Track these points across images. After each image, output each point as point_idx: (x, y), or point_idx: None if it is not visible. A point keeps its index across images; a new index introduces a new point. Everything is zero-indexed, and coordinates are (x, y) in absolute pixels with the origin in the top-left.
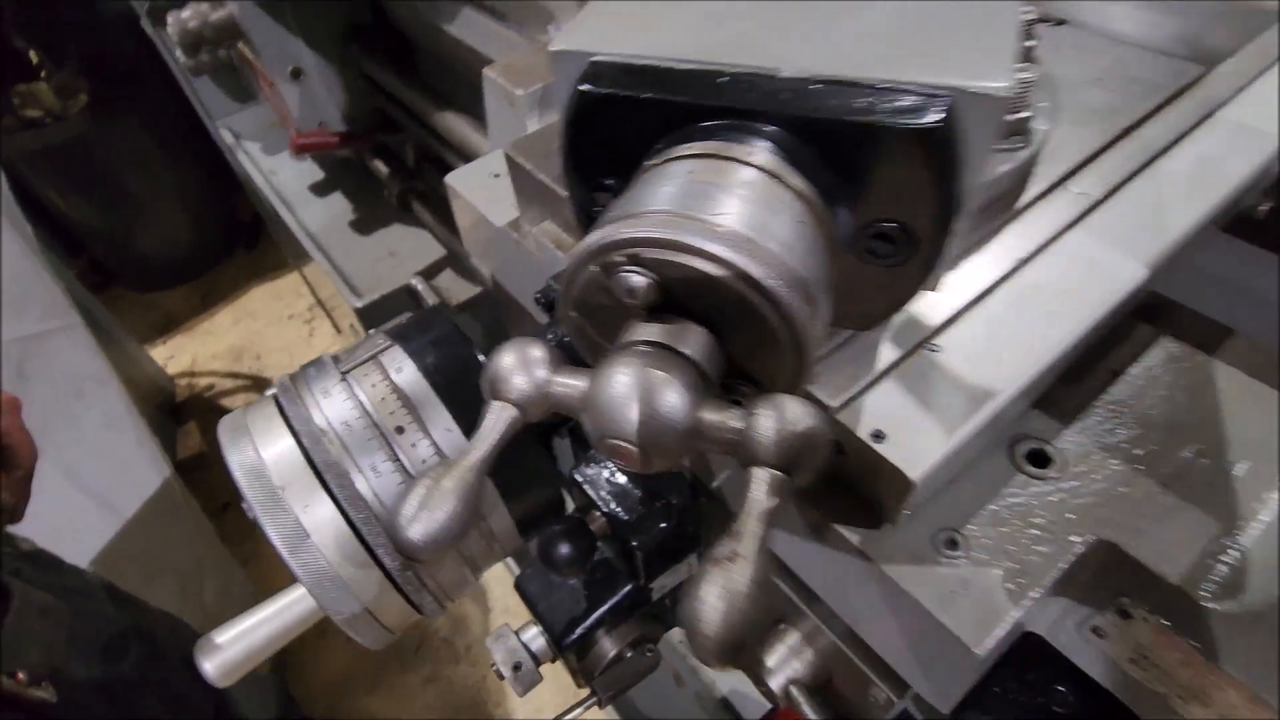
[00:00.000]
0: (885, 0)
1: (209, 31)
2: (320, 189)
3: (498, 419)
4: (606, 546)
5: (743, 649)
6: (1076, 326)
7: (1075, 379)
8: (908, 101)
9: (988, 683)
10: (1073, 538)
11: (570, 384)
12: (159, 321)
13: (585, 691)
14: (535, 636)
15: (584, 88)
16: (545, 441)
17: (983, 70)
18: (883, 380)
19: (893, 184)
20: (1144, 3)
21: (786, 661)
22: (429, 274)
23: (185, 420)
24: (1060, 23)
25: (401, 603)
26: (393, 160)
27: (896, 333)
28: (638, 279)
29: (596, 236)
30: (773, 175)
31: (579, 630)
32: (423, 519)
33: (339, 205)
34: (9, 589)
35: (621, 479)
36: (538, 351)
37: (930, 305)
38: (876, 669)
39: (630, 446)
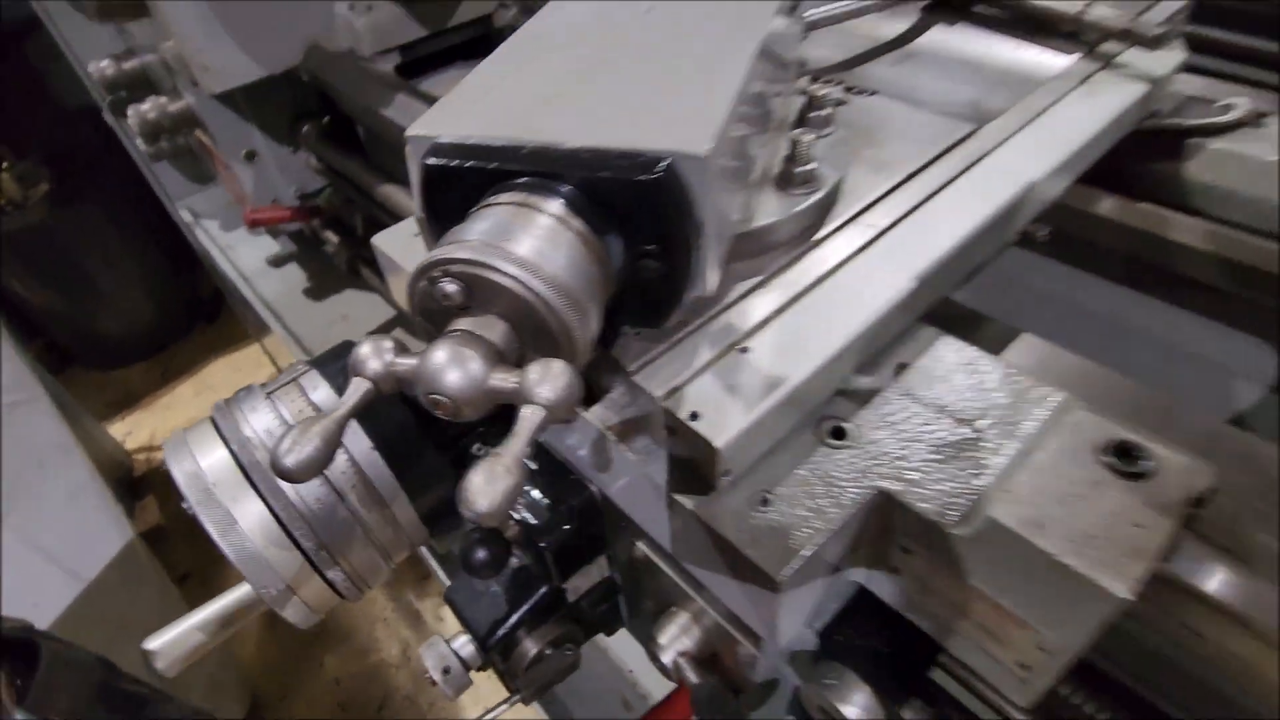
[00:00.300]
0: (639, 84)
1: (168, 121)
2: (276, 261)
3: (355, 389)
4: (525, 555)
5: (502, 515)
6: (856, 328)
7: (872, 370)
8: (643, 162)
9: (829, 632)
10: (857, 490)
11: (407, 362)
12: (118, 398)
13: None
14: (464, 644)
15: (428, 162)
16: (455, 452)
17: (694, 138)
18: (701, 375)
19: (642, 220)
20: (938, 75)
21: (676, 639)
22: (380, 333)
23: (143, 495)
24: (873, 93)
25: (320, 583)
26: (342, 230)
27: (714, 338)
28: (450, 286)
29: (423, 259)
30: (558, 218)
31: (501, 632)
32: (295, 451)
33: (294, 275)
34: (38, 643)
35: (535, 493)
36: (387, 343)
37: (742, 314)
38: (736, 626)
39: (446, 400)
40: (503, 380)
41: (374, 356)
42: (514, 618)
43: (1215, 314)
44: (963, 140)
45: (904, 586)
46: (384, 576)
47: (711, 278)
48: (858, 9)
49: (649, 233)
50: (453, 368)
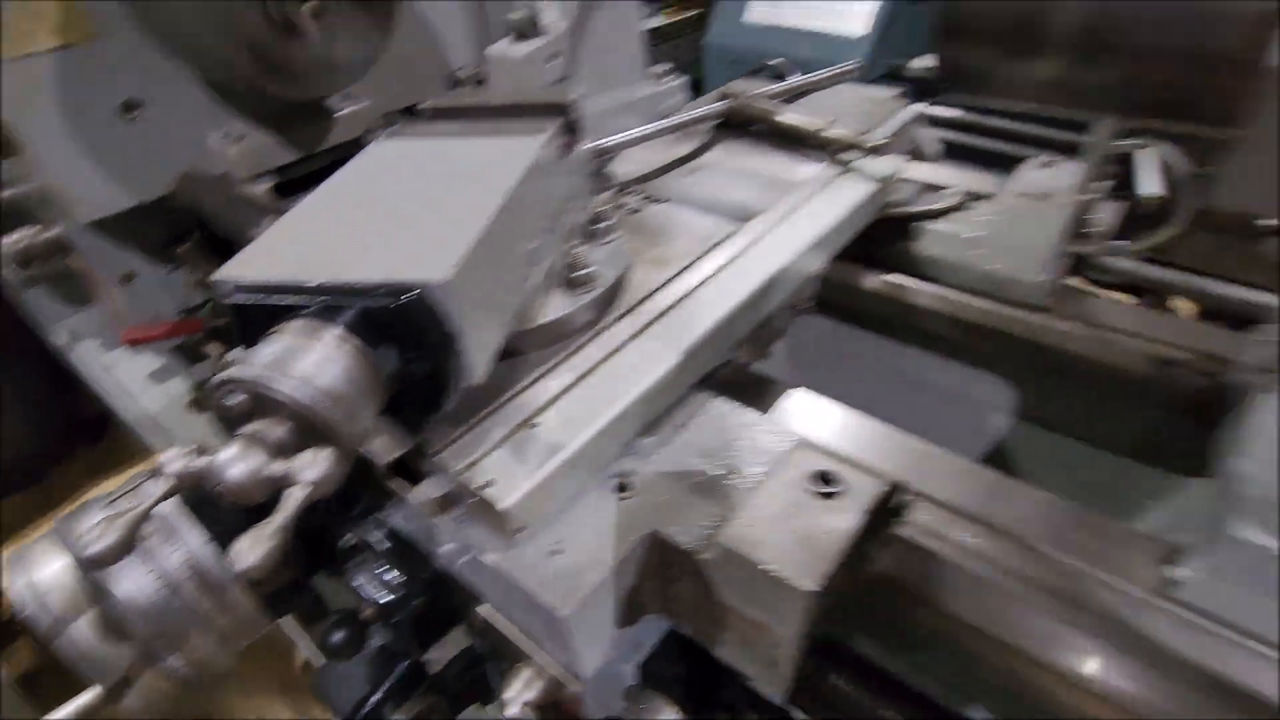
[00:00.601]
0: (409, 225)
1: (40, 248)
2: (158, 376)
3: (159, 486)
4: (385, 633)
5: (264, 571)
6: (629, 399)
7: (656, 431)
8: (402, 291)
9: (646, 665)
10: (633, 534)
11: (201, 462)
12: None
13: None
14: None
15: (233, 300)
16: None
17: (440, 269)
18: (496, 449)
19: (406, 335)
20: (718, 183)
21: (520, 693)
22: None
23: (14, 638)
24: (666, 200)
25: (154, 674)
26: (224, 341)
27: (508, 417)
28: (235, 400)
29: (215, 378)
30: (338, 337)
31: (366, 709)
32: (96, 542)
33: (177, 389)
34: None
35: (389, 575)
36: (190, 448)
37: (534, 395)
38: (557, 667)
39: (226, 490)
40: (277, 469)
41: (176, 459)
42: (377, 695)
43: (961, 358)
44: (729, 236)
45: (682, 611)
46: (228, 662)
47: (479, 370)
48: (648, 134)
49: (413, 343)
50: (232, 465)
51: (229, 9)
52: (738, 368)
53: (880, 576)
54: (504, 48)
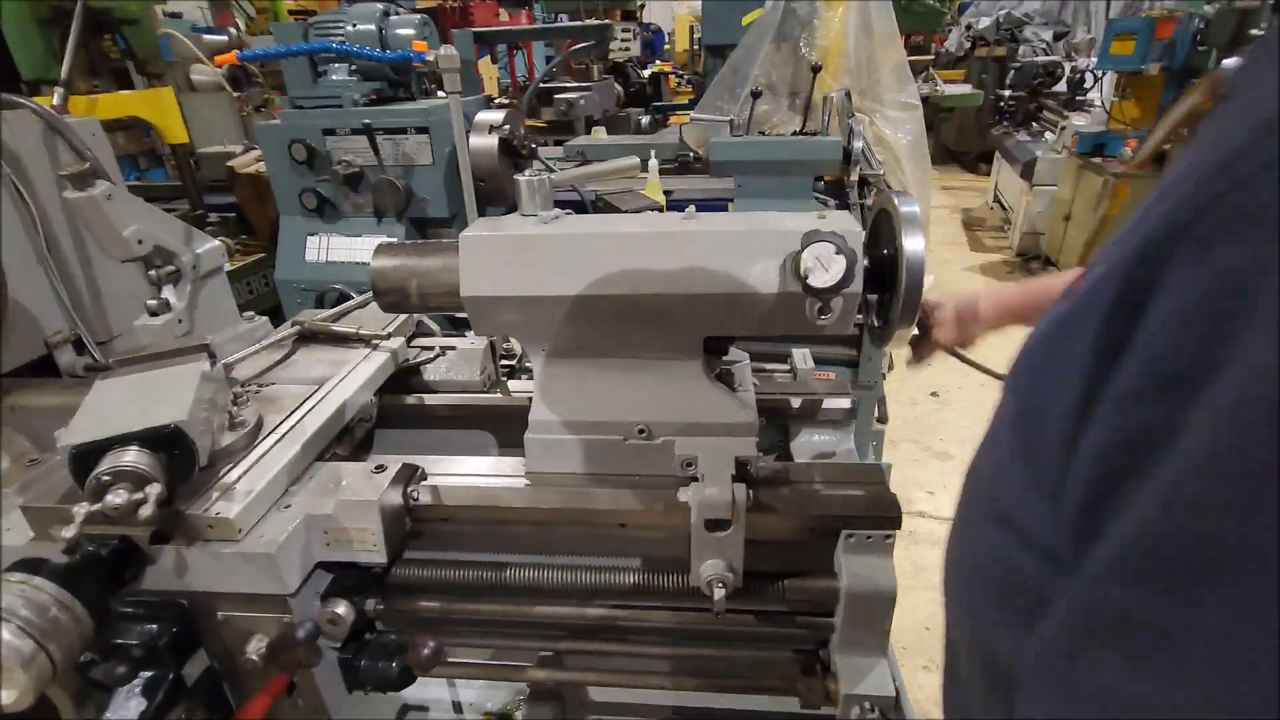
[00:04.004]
0: (143, 403)
1: None
2: None
3: None
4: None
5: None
6: (279, 467)
7: (299, 482)
8: (164, 426)
9: (329, 587)
10: (294, 522)
11: None
12: None
13: None
14: None
15: (70, 452)
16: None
17: (176, 412)
18: (220, 500)
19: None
20: (306, 368)
21: (258, 644)
22: None
23: None
24: (273, 384)
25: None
26: None
27: (217, 488)
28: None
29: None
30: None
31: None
32: None
33: None
34: None
35: (149, 625)
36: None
37: (231, 475)
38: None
39: None
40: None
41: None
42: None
43: (465, 427)
44: (314, 392)
45: (326, 552)
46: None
47: (202, 459)
48: (252, 351)
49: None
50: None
51: None
52: (336, 454)
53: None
54: (146, 320)
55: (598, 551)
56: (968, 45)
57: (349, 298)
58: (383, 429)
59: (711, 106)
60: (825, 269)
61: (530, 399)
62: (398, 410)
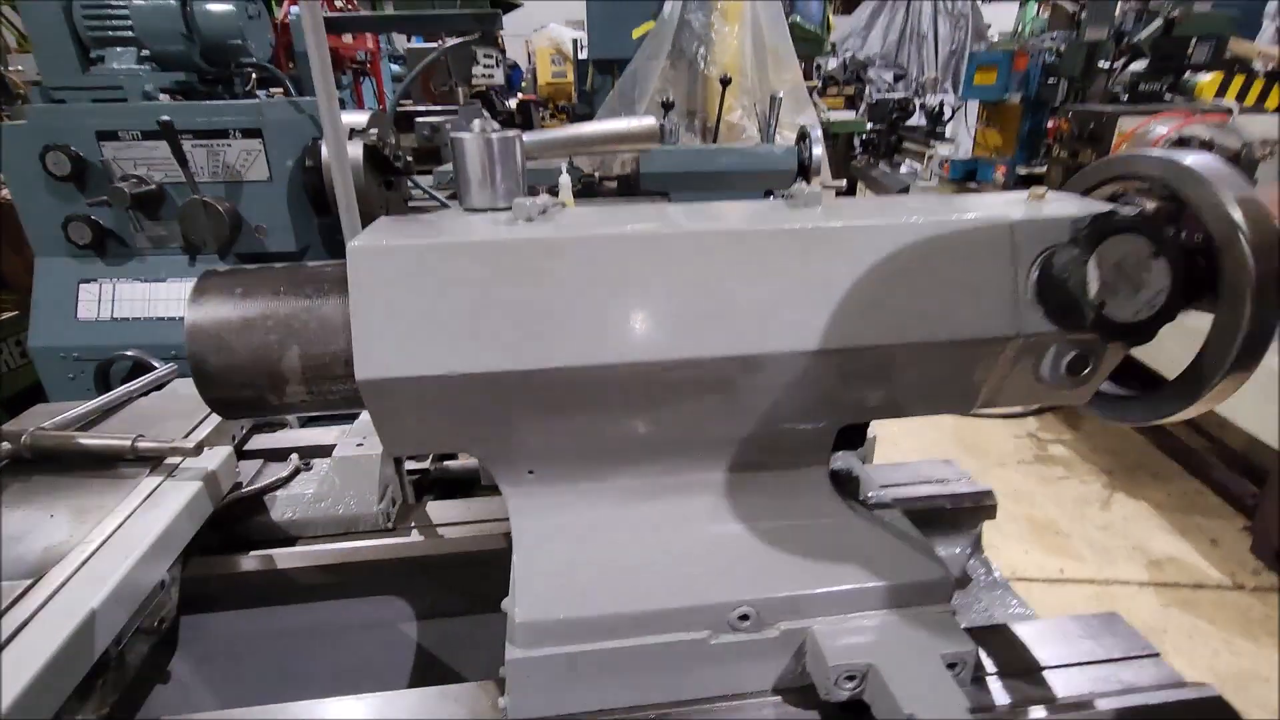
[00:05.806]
0: None
1: None
2: None
3: None
4: None
5: None
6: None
7: None
8: None
9: None
10: None
11: None
12: None
13: None
14: None
15: None
16: None
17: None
18: None
19: None
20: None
21: None
22: None
23: None
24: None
25: None
26: None
27: None
28: None
29: None
30: None
31: None
32: None
33: None
34: None
35: None
36: None
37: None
38: None
39: None
40: None
41: None
42: None
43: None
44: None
45: None
46: None
47: None
48: None
49: None
50: None
51: None
52: None
53: None
54: None
55: None
56: (819, 85)
57: (151, 368)
58: (197, 615)
59: None
60: (1134, 285)
61: (470, 533)
62: (225, 583)
